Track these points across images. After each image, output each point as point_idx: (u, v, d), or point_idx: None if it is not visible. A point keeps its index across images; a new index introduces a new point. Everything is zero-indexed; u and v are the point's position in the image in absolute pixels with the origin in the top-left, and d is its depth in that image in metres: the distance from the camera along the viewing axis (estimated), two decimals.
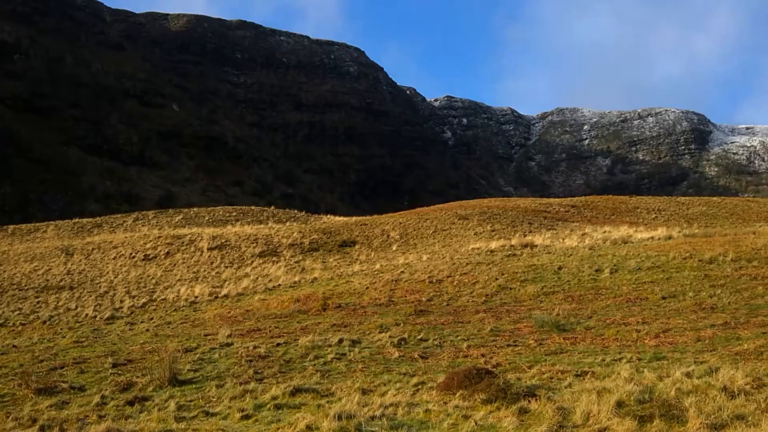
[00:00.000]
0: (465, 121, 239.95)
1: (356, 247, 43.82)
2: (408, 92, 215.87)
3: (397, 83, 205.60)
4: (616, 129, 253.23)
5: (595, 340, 12.51)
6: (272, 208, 60.61)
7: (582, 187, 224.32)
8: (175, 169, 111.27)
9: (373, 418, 6.80)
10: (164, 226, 52.56)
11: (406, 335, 13.60)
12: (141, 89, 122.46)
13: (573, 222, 50.26)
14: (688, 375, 7.69)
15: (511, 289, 20.91)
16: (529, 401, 7.33)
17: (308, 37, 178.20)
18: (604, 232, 41.31)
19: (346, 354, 11.51)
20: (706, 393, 6.96)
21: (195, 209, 59.29)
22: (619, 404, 6.95)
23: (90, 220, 55.45)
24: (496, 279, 22.63)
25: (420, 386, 8.76)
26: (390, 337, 13.46)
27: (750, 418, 6.28)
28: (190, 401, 8.61)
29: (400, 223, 48.35)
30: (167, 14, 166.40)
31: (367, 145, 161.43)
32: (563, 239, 37.24)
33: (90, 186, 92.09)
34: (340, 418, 6.63)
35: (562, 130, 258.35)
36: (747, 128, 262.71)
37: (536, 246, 34.81)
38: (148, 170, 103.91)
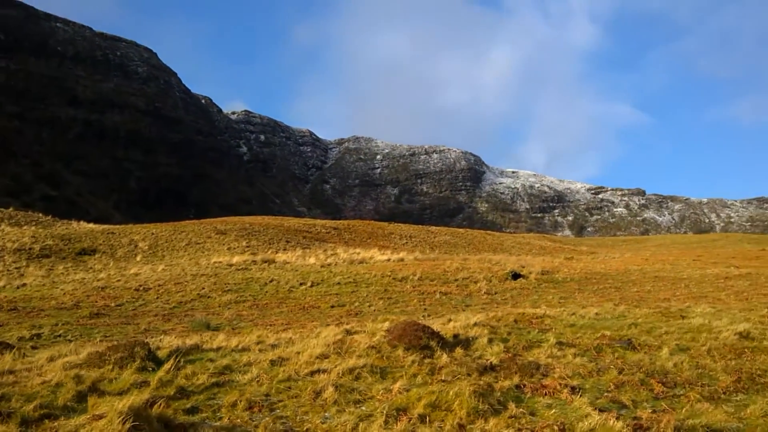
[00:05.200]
0: (263, 137, 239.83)
1: (96, 255, 41.35)
2: (203, 101, 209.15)
3: (192, 91, 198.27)
4: (405, 161, 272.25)
5: (228, 335, 13.68)
6: (11, 209, 54.36)
7: (372, 212, 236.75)
8: None
9: None
10: None
11: (46, 332, 13.62)
12: None
13: (330, 243, 53.04)
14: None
15: (209, 297, 21.60)
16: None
17: (91, 29, 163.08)
18: (353, 253, 44.23)
19: None
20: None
21: None
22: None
23: None
24: (203, 289, 23.19)
25: None
26: (29, 332, 13.38)
27: None
28: None
29: (153, 234, 46.77)
30: None
31: (152, 152, 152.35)
32: (308, 257, 39.15)
33: None
34: None
35: (357, 158, 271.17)
36: (513, 172, 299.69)
37: (276, 262, 36.16)
38: None
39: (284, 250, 45.53)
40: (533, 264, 33.13)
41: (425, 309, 18.03)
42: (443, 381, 7.19)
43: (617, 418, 6.18)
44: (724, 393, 7.36)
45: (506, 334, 9.91)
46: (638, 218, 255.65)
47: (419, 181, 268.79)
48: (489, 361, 8.06)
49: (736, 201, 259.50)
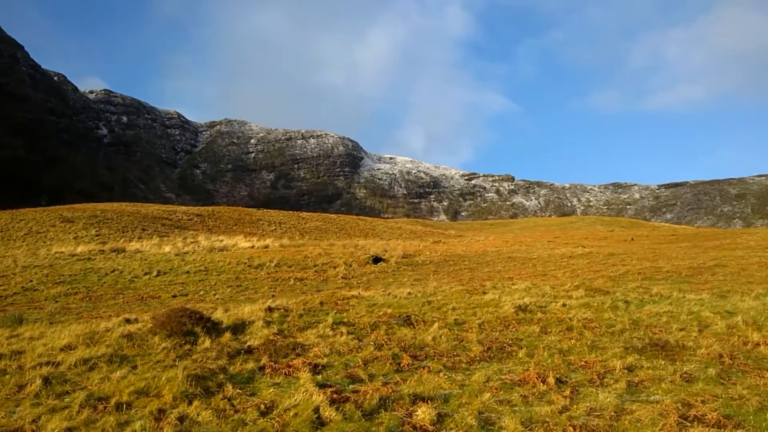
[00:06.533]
0: (125, 119, 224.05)
1: None
2: (56, 78, 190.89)
3: (43, 67, 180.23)
4: (281, 146, 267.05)
5: (42, 328, 12.32)
6: None
7: (246, 198, 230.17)
8: None
9: None
10: None
11: None
12: None
13: (192, 230, 50.44)
14: None
15: (36, 290, 19.46)
16: None
17: None
18: (215, 240, 42.30)
19: None
20: None
21: None
22: None
23: None
24: (31, 281, 20.88)
25: None
26: None
27: None
28: None
29: None
30: None
31: None
32: (165, 246, 36.81)
33: None
34: None
35: (229, 141, 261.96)
36: (390, 158, 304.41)
37: (126, 251, 33.66)
38: None
39: (139, 238, 42.68)
40: (396, 248, 33.49)
41: (273, 296, 17.36)
42: (170, 366, 7.02)
43: (334, 393, 6.27)
44: (468, 363, 7.61)
45: (297, 317, 9.86)
46: (508, 203, 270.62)
47: (296, 166, 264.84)
48: (248, 345, 7.97)
49: (594, 186, 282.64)
